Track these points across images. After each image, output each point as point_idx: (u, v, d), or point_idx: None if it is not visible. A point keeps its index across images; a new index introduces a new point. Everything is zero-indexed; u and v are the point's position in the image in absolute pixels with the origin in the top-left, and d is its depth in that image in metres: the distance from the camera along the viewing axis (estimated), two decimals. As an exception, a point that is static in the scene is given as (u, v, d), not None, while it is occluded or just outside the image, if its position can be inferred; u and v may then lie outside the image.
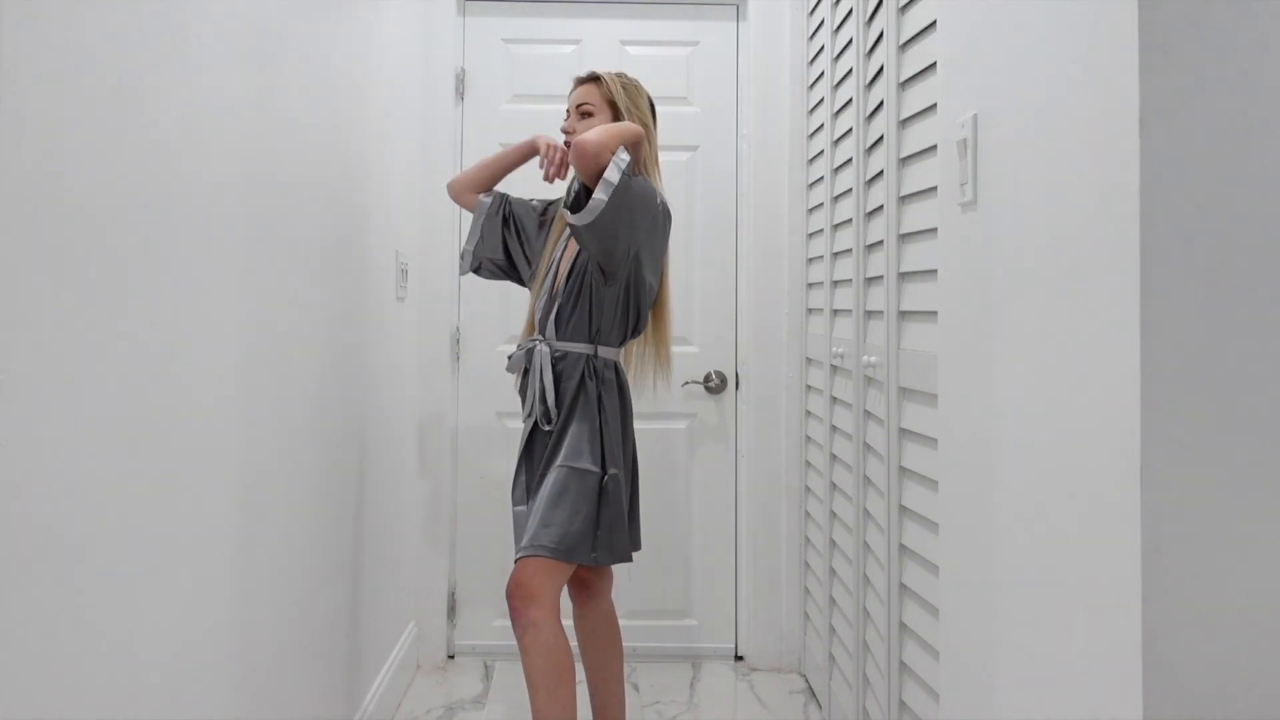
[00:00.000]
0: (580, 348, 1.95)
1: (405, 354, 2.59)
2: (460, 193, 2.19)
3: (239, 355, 1.40)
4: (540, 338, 1.99)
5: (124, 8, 1.06)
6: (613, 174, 1.82)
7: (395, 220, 2.44)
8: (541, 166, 2.06)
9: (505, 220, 2.14)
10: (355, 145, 2.04)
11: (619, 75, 2.04)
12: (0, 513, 0.85)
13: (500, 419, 2.81)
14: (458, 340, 2.83)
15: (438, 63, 2.76)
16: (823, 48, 2.42)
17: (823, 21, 2.42)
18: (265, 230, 1.50)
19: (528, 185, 2.26)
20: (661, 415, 2.74)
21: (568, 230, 2.07)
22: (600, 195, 1.81)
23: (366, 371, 2.16)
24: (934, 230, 1.48)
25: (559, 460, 1.88)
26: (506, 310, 2.76)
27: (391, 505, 2.43)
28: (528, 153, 2.14)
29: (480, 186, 2.17)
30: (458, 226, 2.81)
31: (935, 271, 1.46)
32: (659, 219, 1.96)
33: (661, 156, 2.14)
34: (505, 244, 2.14)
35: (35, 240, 0.90)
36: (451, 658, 2.80)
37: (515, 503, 1.99)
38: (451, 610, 2.80)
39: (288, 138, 1.60)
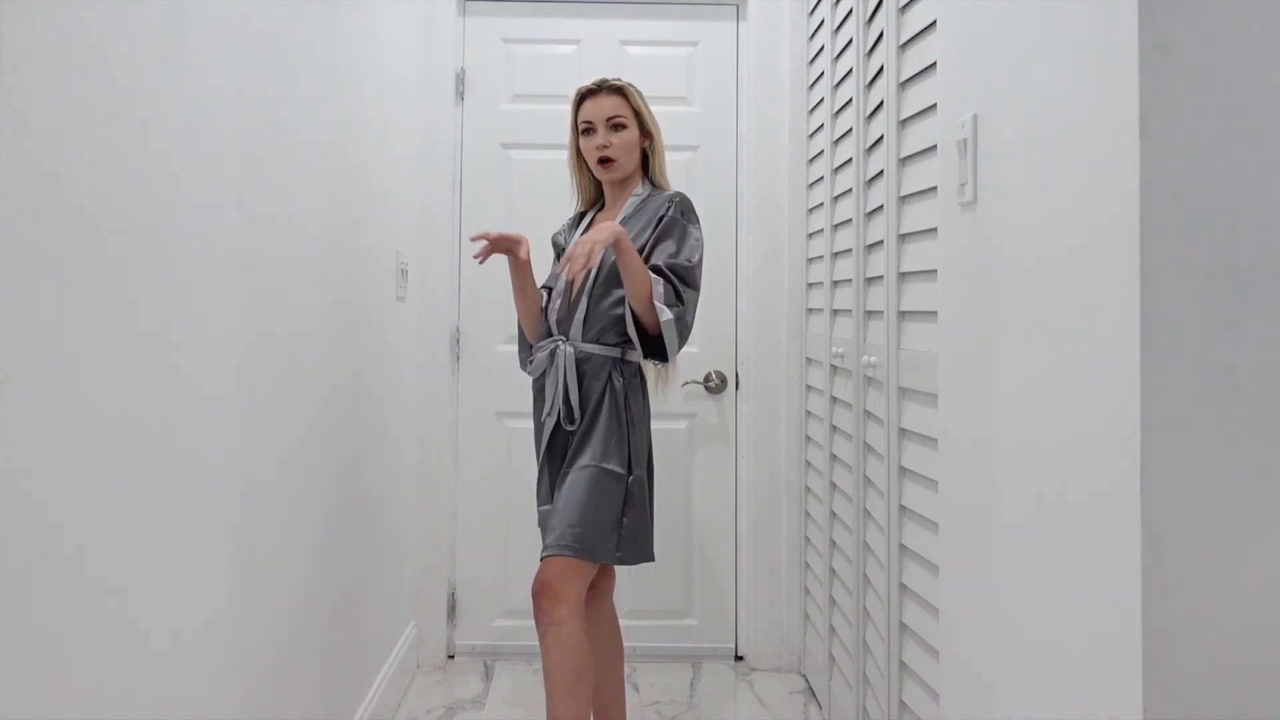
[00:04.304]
0: (608, 350, 1.95)
1: (405, 354, 2.59)
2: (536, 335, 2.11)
3: (238, 355, 1.40)
4: (563, 338, 1.99)
5: (124, 8, 1.06)
6: (664, 314, 1.88)
7: (395, 220, 2.44)
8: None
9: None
10: (355, 145, 2.04)
11: (630, 83, 2.05)
12: (0, 512, 0.85)
13: (500, 419, 2.81)
14: (458, 340, 2.83)
15: (438, 63, 2.76)
16: (823, 48, 2.42)
17: (823, 21, 2.42)
18: (265, 230, 1.50)
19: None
20: (662, 415, 2.73)
21: (579, 234, 2.08)
22: (668, 339, 1.90)
23: (366, 371, 2.16)
24: (934, 230, 1.48)
25: (585, 460, 1.88)
26: (507, 310, 2.76)
27: (391, 505, 2.43)
28: (518, 266, 2.03)
29: (536, 318, 2.09)
30: (458, 226, 2.81)
31: (935, 271, 1.46)
32: (701, 263, 1.99)
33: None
34: None
35: (35, 240, 0.90)
36: (451, 658, 2.80)
37: (540, 502, 2.00)
38: (451, 610, 2.80)
39: (287, 137, 1.60)
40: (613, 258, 1.95)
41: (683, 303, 1.92)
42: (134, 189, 1.08)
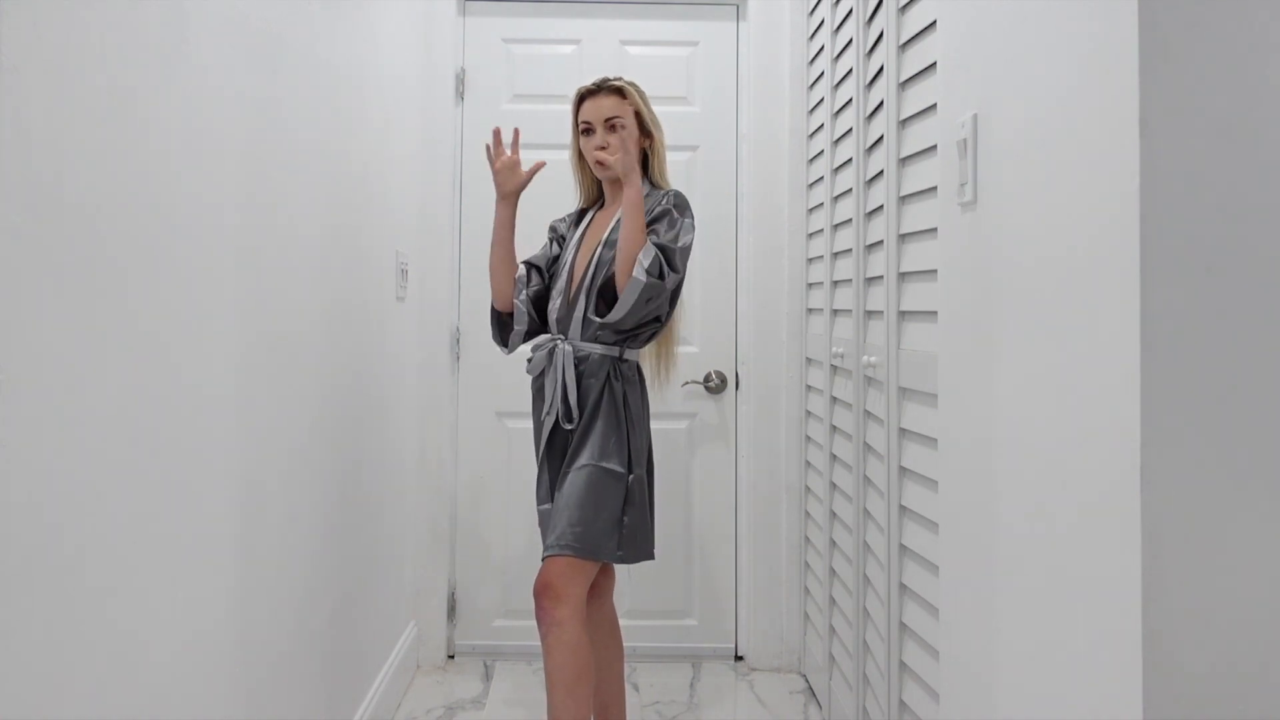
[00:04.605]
0: (606, 349, 1.95)
1: (405, 354, 2.59)
2: (507, 303, 2.09)
3: (239, 355, 1.40)
4: (561, 337, 1.99)
5: (124, 8, 1.06)
6: (639, 274, 1.87)
7: (395, 220, 2.44)
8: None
9: (535, 295, 2.09)
10: (355, 145, 2.04)
11: (630, 82, 2.04)
12: (0, 512, 0.85)
13: (500, 419, 2.81)
14: (458, 340, 2.83)
15: (438, 63, 2.76)
16: (823, 48, 2.42)
17: (823, 21, 2.42)
18: (265, 230, 1.50)
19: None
20: (662, 415, 2.73)
21: (580, 232, 2.08)
22: (627, 297, 1.89)
23: (366, 371, 2.16)
24: (934, 230, 1.48)
25: (585, 460, 1.89)
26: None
27: (391, 505, 2.43)
28: (507, 218, 2.07)
29: (509, 280, 2.08)
30: (458, 226, 2.82)
31: (935, 271, 1.46)
32: (688, 252, 1.97)
33: (662, 156, 2.14)
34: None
35: (35, 240, 0.90)
36: (451, 658, 2.80)
37: (540, 501, 2.00)
38: (451, 610, 2.80)
39: (287, 137, 1.60)
40: (610, 254, 1.95)
41: (662, 279, 1.90)
42: (134, 189, 1.08)
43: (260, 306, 1.48)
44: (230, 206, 1.36)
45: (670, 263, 1.91)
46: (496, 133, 2.05)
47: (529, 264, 2.12)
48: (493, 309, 2.12)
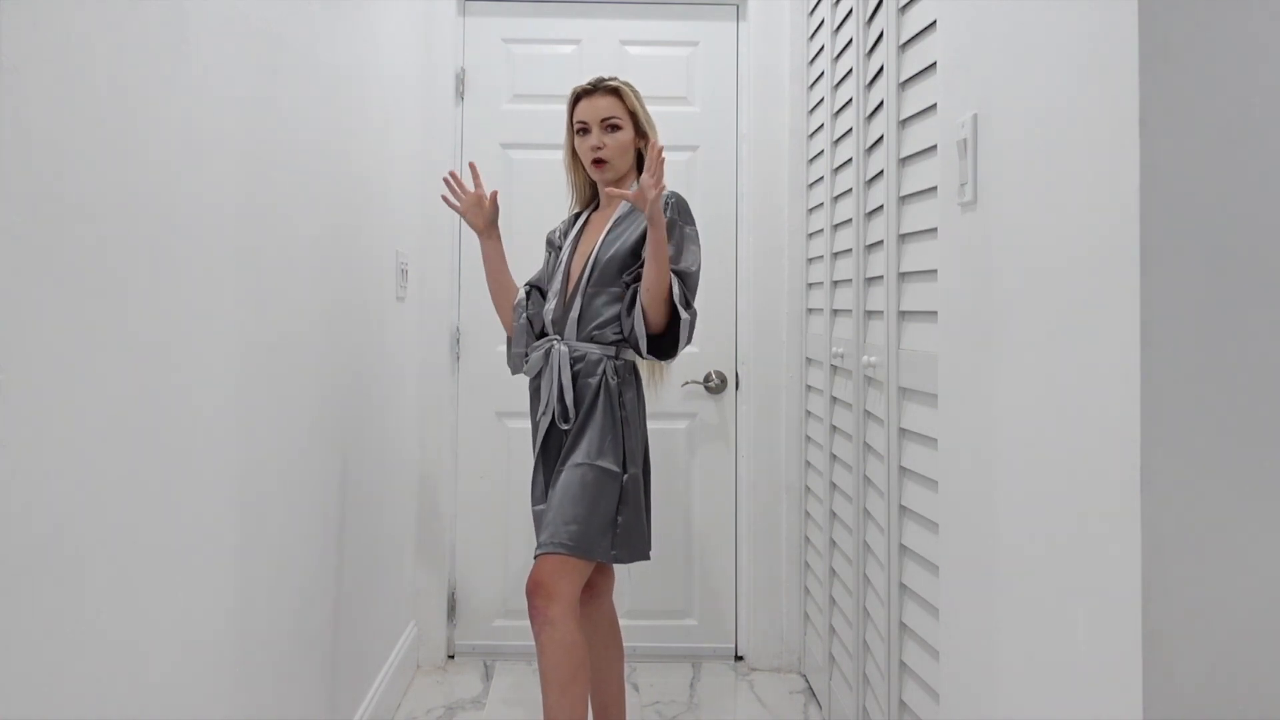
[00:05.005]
0: (603, 349, 1.95)
1: (405, 354, 2.59)
2: (511, 328, 2.14)
3: (238, 355, 1.40)
4: (558, 337, 1.99)
5: (124, 8, 1.06)
6: (683, 314, 1.91)
7: (395, 220, 2.44)
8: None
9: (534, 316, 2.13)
10: (355, 145, 2.04)
11: (626, 82, 2.04)
12: (0, 513, 0.85)
13: (500, 419, 2.81)
14: (458, 340, 2.83)
15: (438, 63, 2.76)
16: (823, 48, 2.42)
17: (823, 21, 2.43)
18: (265, 230, 1.50)
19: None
20: (661, 415, 2.74)
21: (574, 233, 2.08)
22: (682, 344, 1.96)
23: (366, 372, 2.15)
24: (934, 230, 1.48)
25: (579, 458, 1.88)
26: (506, 310, 2.76)
27: (391, 505, 2.43)
28: (495, 253, 2.13)
29: (510, 310, 2.13)
30: (458, 226, 2.82)
31: (935, 271, 1.46)
32: (699, 274, 2.01)
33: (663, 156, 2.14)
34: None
35: (35, 240, 0.90)
36: (451, 658, 2.80)
37: (535, 502, 2.00)
38: (451, 610, 2.80)
39: (287, 137, 1.60)
40: (608, 255, 1.95)
41: (690, 305, 1.94)
42: (134, 189, 1.08)
43: (260, 307, 1.48)
44: (230, 206, 1.36)
45: (686, 285, 1.95)
46: (451, 176, 2.09)
47: (530, 285, 2.13)
48: (507, 337, 2.15)
